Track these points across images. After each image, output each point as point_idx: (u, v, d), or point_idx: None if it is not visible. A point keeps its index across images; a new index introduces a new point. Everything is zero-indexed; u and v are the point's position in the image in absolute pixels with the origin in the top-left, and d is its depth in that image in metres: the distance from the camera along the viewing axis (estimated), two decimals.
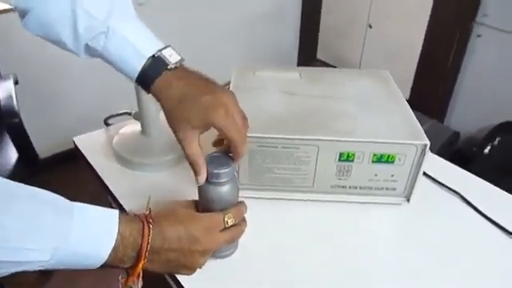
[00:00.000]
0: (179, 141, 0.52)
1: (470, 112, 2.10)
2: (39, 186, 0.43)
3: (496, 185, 0.79)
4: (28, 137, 1.35)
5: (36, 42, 0.55)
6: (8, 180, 0.40)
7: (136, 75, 0.53)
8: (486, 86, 1.99)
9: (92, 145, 0.85)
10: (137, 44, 0.52)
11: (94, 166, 0.80)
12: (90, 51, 0.54)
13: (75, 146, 0.86)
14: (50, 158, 2.05)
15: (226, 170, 0.53)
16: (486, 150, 1.92)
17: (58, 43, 0.54)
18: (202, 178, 0.52)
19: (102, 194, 0.79)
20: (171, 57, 0.53)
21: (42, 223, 0.40)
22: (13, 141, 1.38)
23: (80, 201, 0.45)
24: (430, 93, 2.12)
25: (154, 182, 0.76)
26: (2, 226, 0.37)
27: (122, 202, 0.72)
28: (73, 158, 0.90)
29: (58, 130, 2.05)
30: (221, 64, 2.16)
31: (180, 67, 0.54)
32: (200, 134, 0.52)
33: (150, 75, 0.52)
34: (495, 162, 1.87)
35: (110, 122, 0.91)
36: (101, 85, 2.05)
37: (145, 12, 0.56)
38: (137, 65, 0.52)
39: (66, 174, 1.93)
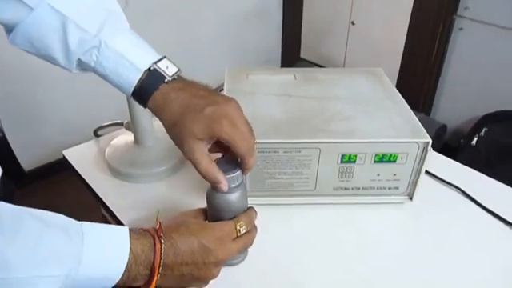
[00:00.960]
0: (186, 156, 0.50)
1: (455, 104, 2.13)
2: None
3: (486, 175, 0.79)
4: (13, 152, 1.31)
5: (14, 52, 0.52)
6: (12, 205, 0.38)
7: (131, 90, 0.50)
8: (470, 78, 2.01)
9: (83, 157, 0.83)
10: (131, 57, 0.50)
11: (87, 180, 0.77)
12: (83, 66, 0.52)
13: (65, 159, 0.83)
14: (36, 170, 2.00)
15: (234, 174, 0.51)
16: (474, 142, 1.94)
17: (49, 59, 0.52)
18: (224, 185, 0.50)
19: (93, 203, 0.77)
20: (168, 69, 0.51)
21: (50, 250, 0.38)
22: None
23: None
24: (416, 87, 2.13)
25: (151, 193, 0.73)
26: (6, 255, 0.35)
27: (118, 216, 0.69)
28: (59, 169, 0.87)
29: (42, 142, 2.00)
30: (205, 66, 2.14)
31: (177, 78, 0.52)
32: (207, 145, 0.50)
33: (147, 89, 0.50)
34: (483, 153, 1.90)
35: (99, 132, 0.88)
36: (85, 93, 2.01)
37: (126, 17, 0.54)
38: (132, 79, 0.50)
39: (54, 186, 1.89)
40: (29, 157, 1.90)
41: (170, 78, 0.50)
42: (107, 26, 0.50)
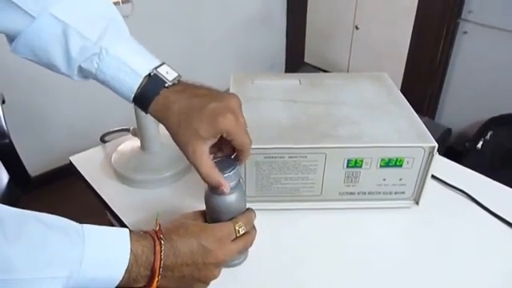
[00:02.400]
0: (190, 159, 0.50)
1: (460, 108, 2.12)
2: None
3: (492, 178, 0.79)
4: (19, 158, 1.31)
5: (19, 58, 0.53)
6: (15, 208, 0.38)
7: (133, 95, 0.51)
8: (475, 82, 2.01)
9: (89, 163, 0.83)
10: (131, 63, 0.50)
11: (94, 186, 0.78)
12: (84, 73, 0.52)
13: (72, 165, 0.84)
14: (42, 176, 2.01)
15: (231, 173, 0.51)
16: (479, 145, 1.93)
17: (51, 67, 0.52)
18: (226, 187, 0.51)
19: (99, 208, 0.77)
20: (168, 74, 0.51)
21: (53, 252, 0.39)
22: (3, 162, 1.35)
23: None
24: (420, 91, 2.13)
25: (156, 198, 0.74)
26: (10, 257, 0.36)
27: (124, 221, 0.70)
28: (66, 174, 0.87)
29: (49, 147, 2.01)
30: (209, 71, 2.15)
31: (177, 83, 0.52)
32: (210, 145, 0.50)
33: (148, 94, 0.50)
34: (488, 157, 1.89)
35: (106, 138, 0.88)
36: (91, 99, 2.02)
37: (130, 24, 0.54)
38: (133, 85, 0.50)
39: (61, 191, 1.90)
40: (35, 162, 1.91)
41: (170, 83, 0.51)
42: (108, 33, 0.50)
